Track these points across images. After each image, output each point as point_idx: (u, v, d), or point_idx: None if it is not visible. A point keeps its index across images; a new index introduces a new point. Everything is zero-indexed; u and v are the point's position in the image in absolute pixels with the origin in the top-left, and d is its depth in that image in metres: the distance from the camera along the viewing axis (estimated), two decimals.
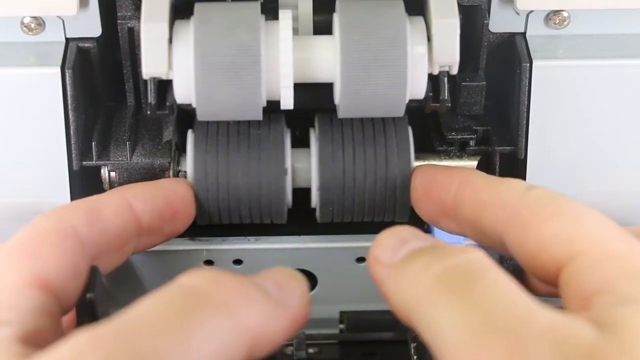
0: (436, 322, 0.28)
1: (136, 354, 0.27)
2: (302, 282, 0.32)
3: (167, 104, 0.38)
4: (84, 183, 0.41)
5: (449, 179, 0.36)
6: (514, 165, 0.41)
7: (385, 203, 0.39)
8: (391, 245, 0.32)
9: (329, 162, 0.39)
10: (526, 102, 0.40)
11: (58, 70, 0.39)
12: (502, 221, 0.33)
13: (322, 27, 0.39)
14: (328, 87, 0.38)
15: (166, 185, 0.38)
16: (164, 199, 0.37)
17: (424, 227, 0.41)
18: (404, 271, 0.30)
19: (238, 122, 0.39)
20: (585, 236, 0.30)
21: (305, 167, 0.40)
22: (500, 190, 0.33)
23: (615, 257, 0.29)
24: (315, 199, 0.40)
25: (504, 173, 0.41)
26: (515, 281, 0.29)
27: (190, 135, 0.39)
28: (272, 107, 0.38)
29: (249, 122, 0.39)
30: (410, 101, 0.38)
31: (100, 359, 0.26)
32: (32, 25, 0.39)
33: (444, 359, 0.27)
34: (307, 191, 0.40)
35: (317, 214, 0.40)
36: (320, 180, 0.39)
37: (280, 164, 0.39)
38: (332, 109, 0.39)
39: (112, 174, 0.40)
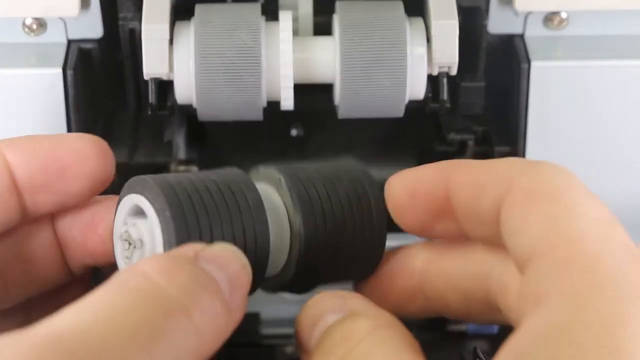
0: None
1: None
2: (249, 276, 0.29)
3: (168, 104, 0.38)
4: None
5: (436, 172, 0.32)
6: None
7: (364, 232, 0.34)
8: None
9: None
10: (525, 103, 0.40)
11: (59, 71, 0.39)
12: (500, 199, 0.29)
13: (322, 28, 0.40)
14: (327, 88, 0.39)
15: (56, 139, 0.34)
16: (48, 152, 0.33)
17: None
18: None
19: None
20: (559, 235, 0.27)
21: None
22: (497, 167, 0.30)
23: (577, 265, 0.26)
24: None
25: None
26: None
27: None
28: (272, 107, 0.38)
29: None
30: (410, 101, 0.38)
31: None
32: (34, 26, 0.40)
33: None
34: None
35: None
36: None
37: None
38: (331, 109, 0.39)
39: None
